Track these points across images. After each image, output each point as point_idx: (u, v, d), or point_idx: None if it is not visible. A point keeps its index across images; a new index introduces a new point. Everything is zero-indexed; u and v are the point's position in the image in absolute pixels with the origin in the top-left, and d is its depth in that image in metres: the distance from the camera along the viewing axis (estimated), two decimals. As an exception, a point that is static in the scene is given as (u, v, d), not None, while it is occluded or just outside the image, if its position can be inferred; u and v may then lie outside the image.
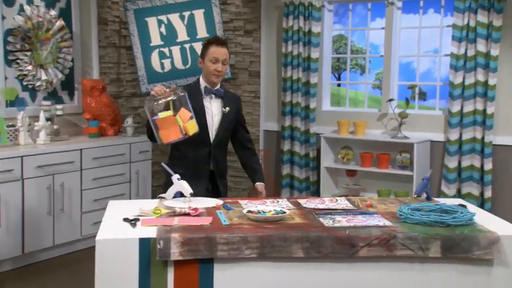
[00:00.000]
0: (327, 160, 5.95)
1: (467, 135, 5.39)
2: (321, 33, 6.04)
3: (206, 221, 2.66)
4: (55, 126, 5.23)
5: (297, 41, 6.06)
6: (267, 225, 2.63)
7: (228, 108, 3.67)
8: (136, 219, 2.63)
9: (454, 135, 5.43)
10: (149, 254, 2.40)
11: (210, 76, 3.61)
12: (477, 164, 5.36)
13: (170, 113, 3.29)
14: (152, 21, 6.09)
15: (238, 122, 3.80)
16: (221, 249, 2.45)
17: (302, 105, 6.11)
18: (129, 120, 5.77)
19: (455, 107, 5.41)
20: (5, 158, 4.48)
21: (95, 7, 5.82)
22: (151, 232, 2.47)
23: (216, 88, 3.67)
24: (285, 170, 6.21)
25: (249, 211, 2.77)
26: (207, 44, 3.65)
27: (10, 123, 4.88)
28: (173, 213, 2.76)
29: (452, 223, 2.63)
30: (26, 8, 5.10)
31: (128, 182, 5.55)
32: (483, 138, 5.32)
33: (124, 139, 5.57)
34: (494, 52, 5.20)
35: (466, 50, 5.34)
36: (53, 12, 5.31)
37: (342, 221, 2.71)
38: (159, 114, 3.27)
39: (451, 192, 5.45)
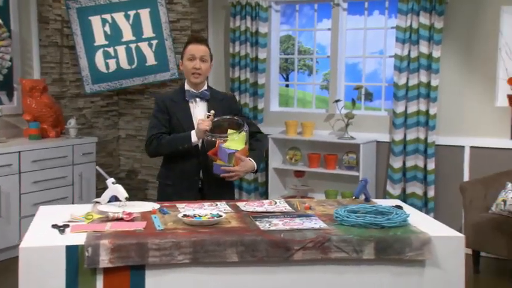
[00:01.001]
0: (275, 161, 5.93)
1: (411, 135, 5.45)
2: (269, 34, 6.03)
3: (139, 226, 2.59)
4: (-8, 128, 5.07)
5: (244, 41, 6.02)
6: (202, 229, 2.57)
7: (212, 112, 3.36)
8: (66, 226, 2.54)
9: (398, 136, 5.49)
10: (77, 262, 2.31)
11: (189, 76, 3.42)
12: (420, 164, 5.43)
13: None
14: (96, 20, 5.97)
15: None
16: (153, 255, 2.38)
17: (250, 106, 6.08)
18: (72, 122, 5.63)
19: (400, 108, 5.46)
20: None
21: (34, 5, 5.65)
22: (80, 239, 2.38)
23: (200, 90, 3.46)
24: (233, 171, 6.16)
25: (185, 215, 2.71)
26: (185, 44, 3.47)
27: None
28: (106, 219, 2.68)
29: (386, 225, 2.63)
30: (-39, 5, 4.93)
31: (71, 185, 5.41)
32: (426, 138, 5.39)
33: (66, 141, 5.44)
34: (436, 54, 5.26)
35: (409, 52, 5.40)
36: (-11, 10, 5.14)
37: (279, 224, 2.68)
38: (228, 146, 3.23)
39: (396, 192, 5.51)
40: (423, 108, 5.39)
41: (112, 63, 6.02)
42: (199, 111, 3.45)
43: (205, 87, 3.50)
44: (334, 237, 2.52)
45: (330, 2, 5.83)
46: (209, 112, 3.39)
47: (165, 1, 6.08)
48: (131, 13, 6.04)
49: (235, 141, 3.25)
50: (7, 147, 4.90)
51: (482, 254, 4.89)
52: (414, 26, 5.35)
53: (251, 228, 2.61)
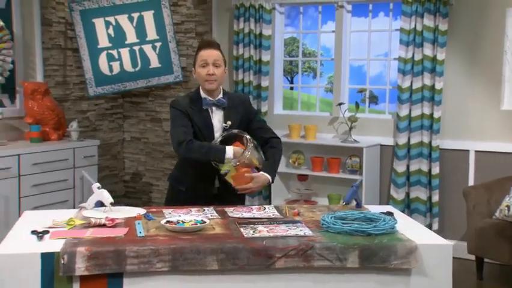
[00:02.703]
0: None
1: (415, 139, 5.36)
2: (272, 36, 5.97)
3: (120, 232, 2.55)
4: (-7, 131, 5.07)
5: (248, 43, 5.98)
6: (183, 236, 2.53)
7: (229, 123, 3.29)
8: (46, 232, 2.50)
9: (402, 139, 5.41)
10: (53, 270, 2.27)
11: (203, 83, 3.27)
12: (425, 168, 5.34)
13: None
14: (99, 23, 5.96)
15: (250, 128, 3.37)
16: (131, 263, 2.34)
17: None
18: (74, 124, 5.62)
19: (403, 111, 5.38)
20: None
21: (38, 8, 5.65)
22: (57, 246, 2.35)
23: (217, 98, 3.33)
24: (236, 174, 6.12)
25: (168, 221, 2.67)
26: (197, 50, 3.33)
27: None
28: (88, 225, 2.64)
29: (372, 232, 2.57)
30: (-38, 8, 4.94)
31: (72, 188, 5.39)
32: (430, 142, 5.31)
33: (67, 144, 5.42)
34: (441, 56, 5.18)
35: (413, 54, 5.32)
36: (-9, 13, 5.15)
37: (263, 230, 2.63)
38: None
39: (399, 196, 5.42)
40: (427, 111, 5.30)
41: (115, 65, 6.01)
42: (216, 120, 3.33)
43: (221, 94, 3.36)
44: (317, 244, 2.46)
45: (334, 4, 5.77)
46: (225, 123, 3.32)
47: (169, 3, 6.06)
48: (135, 15, 6.03)
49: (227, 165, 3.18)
50: (7, 150, 4.89)
51: (486, 260, 4.78)
52: (419, 28, 5.27)
53: (234, 235, 2.56)
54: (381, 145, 5.61)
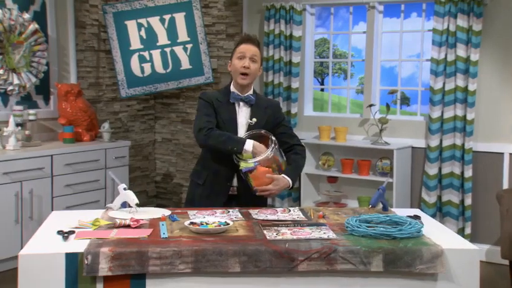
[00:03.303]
0: (308, 166, 5.82)
1: (448, 141, 5.28)
2: (303, 37, 5.95)
3: (144, 233, 2.57)
4: (27, 132, 5.16)
5: (278, 45, 5.97)
6: (206, 237, 2.53)
7: (254, 120, 3.28)
8: (71, 232, 2.54)
9: (434, 142, 5.32)
10: (77, 270, 2.30)
11: (236, 76, 3.25)
12: (457, 171, 5.25)
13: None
14: (131, 25, 6.03)
15: (276, 132, 3.33)
16: (153, 264, 2.35)
17: (283, 110, 5.99)
18: (106, 125, 5.69)
19: (436, 113, 5.30)
20: (-30, 164, 4.42)
21: (72, 10, 5.74)
22: (81, 246, 2.37)
23: (245, 95, 3.32)
24: (266, 176, 6.11)
25: (192, 223, 2.67)
26: (236, 43, 3.33)
27: (-21, 129, 4.82)
28: (113, 225, 2.67)
29: (398, 235, 2.53)
30: (-3, 11, 5.05)
31: (103, 188, 5.46)
32: (463, 144, 5.21)
33: (99, 144, 5.49)
34: (474, 57, 5.08)
35: (445, 55, 5.23)
36: (26, 16, 5.24)
37: (287, 233, 2.62)
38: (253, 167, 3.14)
39: (431, 199, 5.34)
40: (460, 113, 5.21)
41: (147, 67, 6.06)
42: (241, 116, 3.33)
43: (251, 91, 3.35)
44: (341, 248, 2.43)
45: (365, 5, 5.71)
46: (251, 120, 3.32)
47: (200, 5, 6.09)
48: (167, 17, 6.08)
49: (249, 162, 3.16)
50: (40, 150, 4.98)
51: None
52: (452, 28, 5.18)
53: (257, 238, 2.55)
54: (412, 147, 5.53)
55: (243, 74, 3.25)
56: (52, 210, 4.99)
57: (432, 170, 5.33)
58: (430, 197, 5.35)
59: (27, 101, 5.39)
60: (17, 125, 5.01)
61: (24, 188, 4.76)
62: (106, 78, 6.18)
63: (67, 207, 5.06)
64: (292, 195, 6.04)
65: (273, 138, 3.22)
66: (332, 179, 5.77)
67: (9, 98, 5.25)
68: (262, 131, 3.26)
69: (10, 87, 5.19)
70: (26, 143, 5.07)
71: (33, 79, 5.36)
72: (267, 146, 3.20)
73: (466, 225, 5.25)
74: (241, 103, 3.34)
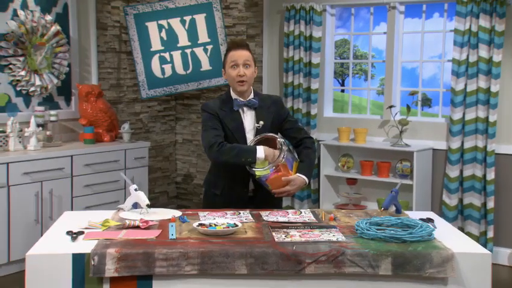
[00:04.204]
0: (328, 168, 5.81)
1: (469, 143, 5.19)
2: (323, 38, 5.91)
3: (153, 234, 2.57)
4: (48, 132, 5.22)
5: (298, 46, 5.94)
6: (214, 239, 2.53)
7: (262, 123, 3.27)
8: (80, 233, 2.55)
9: (455, 144, 5.25)
10: (83, 271, 2.31)
11: (234, 84, 3.26)
12: (479, 173, 5.17)
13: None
14: (152, 26, 6.06)
15: (283, 128, 3.36)
16: (160, 266, 2.36)
17: (303, 111, 5.98)
18: (126, 126, 5.73)
19: (457, 115, 5.22)
20: (-10, 165, 4.49)
21: (93, 12, 5.80)
22: (89, 247, 2.39)
23: (248, 99, 3.31)
24: (285, 177, 6.09)
25: (200, 224, 2.67)
26: (226, 51, 3.32)
27: (1, 129, 4.88)
28: (123, 226, 2.68)
29: (408, 239, 2.49)
30: (20, 13, 5.11)
31: (123, 188, 5.50)
32: (485, 147, 5.13)
33: (119, 145, 5.53)
34: (497, 58, 5.00)
35: (467, 56, 5.15)
36: (48, 17, 5.30)
37: (296, 235, 2.60)
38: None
39: (452, 202, 5.26)
40: (482, 115, 5.13)
41: (167, 68, 6.09)
42: (247, 121, 3.32)
43: (252, 94, 3.34)
44: (349, 250, 2.41)
45: (386, 5, 5.66)
46: (258, 123, 3.30)
47: (221, 6, 6.10)
48: (187, 18, 6.09)
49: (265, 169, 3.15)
50: (60, 151, 5.03)
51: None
52: (474, 29, 5.10)
53: (265, 240, 2.54)
54: (433, 149, 5.46)
55: (239, 81, 3.26)
56: (72, 210, 5.04)
57: (453, 172, 5.26)
58: (451, 200, 5.27)
59: (49, 102, 5.46)
60: (38, 125, 5.07)
61: (44, 188, 4.81)
62: (127, 80, 6.23)
63: (86, 207, 5.11)
64: (312, 197, 6.01)
65: (282, 140, 3.21)
66: (352, 181, 5.72)
67: (31, 99, 5.32)
68: (270, 135, 3.25)
69: (32, 89, 5.25)
70: (47, 144, 5.14)
71: (55, 80, 5.42)
72: (276, 148, 3.19)
73: (488, 228, 5.15)
74: (245, 108, 3.33)
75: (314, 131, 5.90)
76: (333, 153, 5.84)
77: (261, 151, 3.15)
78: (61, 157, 4.97)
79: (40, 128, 5.09)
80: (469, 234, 5.20)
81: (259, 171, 3.14)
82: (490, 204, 5.12)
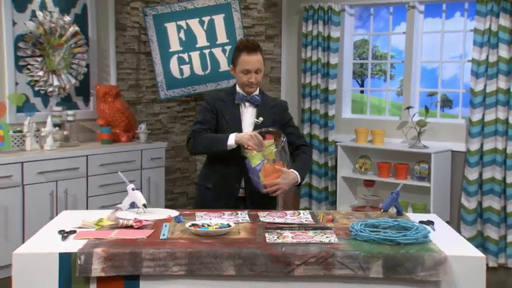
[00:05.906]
0: (345, 169, 5.74)
1: (489, 145, 5.08)
2: (341, 38, 5.85)
3: (144, 234, 2.57)
4: (65, 132, 5.28)
5: (316, 46, 5.90)
6: (205, 240, 2.51)
7: (261, 119, 3.26)
8: (72, 232, 2.56)
9: (474, 146, 5.13)
10: (70, 270, 2.31)
11: (243, 86, 3.30)
12: (498, 176, 5.04)
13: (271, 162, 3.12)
14: (171, 27, 6.08)
15: (284, 132, 3.26)
16: (147, 266, 2.34)
17: (321, 112, 5.93)
18: (143, 127, 5.76)
19: (476, 116, 5.11)
20: (5, 164, 4.54)
21: (112, 13, 5.84)
22: (77, 246, 2.38)
23: (251, 95, 3.32)
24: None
25: (193, 224, 2.66)
26: (237, 50, 3.27)
27: (18, 129, 4.95)
28: (116, 226, 2.68)
29: (402, 241, 2.43)
30: (38, 13, 5.17)
31: (139, 189, 5.47)
32: (505, 149, 5.00)
33: (135, 145, 5.56)
34: (517, 58, 4.88)
35: (487, 56, 5.04)
36: (67, 18, 5.37)
37: (289, 236, 2.56)
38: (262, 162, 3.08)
39: (471, 205, 5.15)
40: (502, 116, 5.00)
41: (186, 69, 6.10)
42: (247, 117, 3.33)
43: (257, 92, 3.34)
44: (339, 252, 2.36)
45: (405, 5, 5.57)
46: (257, 119, 3.29)
47: (240, 7, 6.09)
48: (206, 19, 6.09)
49: (258, 156, 3.10)
50: (76, 150, 5.08)
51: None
52: (494, 28, 4.98)
53: (256, 241, 2.51)
54: (452, 151, 5.34)
55: (249, 85, 3.28)
56: (87, 209, 5.09)
57: (472, 175, 5.14)
58: (470, 203, 5.15)
59: (67, 102, 5.52)
60: (55, 125, 5.13)
61: (59, 188, 4.87)
62: (146, 80, 6.26)
63: (101, 206, 5.14)
64: (330, 199, 5.95)
65: (282, 135, 3.18)
66: (369, 183, 5.64)
67: (49, 99, 5.39)
68: (270, 128, 3.22)
69: (50, 89, 5.32)
70: (64, 143, 5.19)
71: (73, 81, 5.48)
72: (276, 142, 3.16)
73: (508, 232, 5.03)
74: (246, 103, 3.33)
75: (332, 132, 5.85)
76: (351, 155, 5.77)
77: (232, 138, 3.13)
78: (76, 157, 5.02)
79: (57, 128, 5.15)
80: (488, 238, 5.08)
81: (254, 159, 3.07)
82: (510, 207, 5.00)
